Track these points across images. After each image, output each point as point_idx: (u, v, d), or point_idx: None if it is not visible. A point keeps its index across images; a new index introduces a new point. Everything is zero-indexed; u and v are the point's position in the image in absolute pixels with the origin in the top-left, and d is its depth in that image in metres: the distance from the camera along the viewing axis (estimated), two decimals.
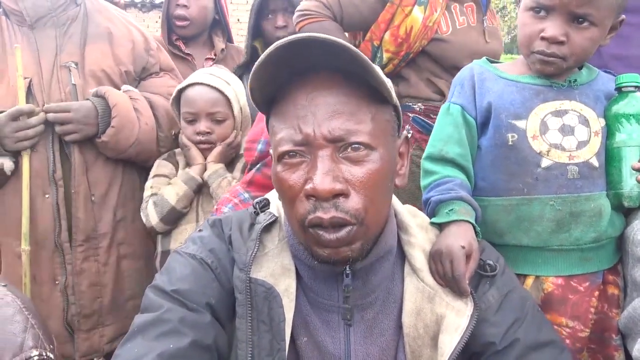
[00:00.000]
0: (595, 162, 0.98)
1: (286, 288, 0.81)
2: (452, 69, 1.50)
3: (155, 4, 8.68)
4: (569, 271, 0.99)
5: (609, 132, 1.00)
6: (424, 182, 1.04)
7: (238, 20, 8.33)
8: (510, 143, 0.99)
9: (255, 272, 0.81)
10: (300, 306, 0.82)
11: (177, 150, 1.62)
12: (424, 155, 1.06)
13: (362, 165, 0.73)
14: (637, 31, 1.27)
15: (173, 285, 0.79)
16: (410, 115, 1.52)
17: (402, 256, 0.86)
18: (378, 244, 0.79)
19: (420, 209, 0.97)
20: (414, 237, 0.86)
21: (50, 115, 1.43)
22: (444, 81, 1.51)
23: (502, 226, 1.01)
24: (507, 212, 1.00)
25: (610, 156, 0.99)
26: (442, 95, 1.50)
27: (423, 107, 1.50)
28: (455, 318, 0.79)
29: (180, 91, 1.52)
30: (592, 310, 0.99)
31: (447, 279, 0.82)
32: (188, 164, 1.55)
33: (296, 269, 0.83)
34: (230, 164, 1.57)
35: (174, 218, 1.48)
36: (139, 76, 1.66)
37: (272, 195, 0.92)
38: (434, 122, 1.46)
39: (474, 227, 0.91)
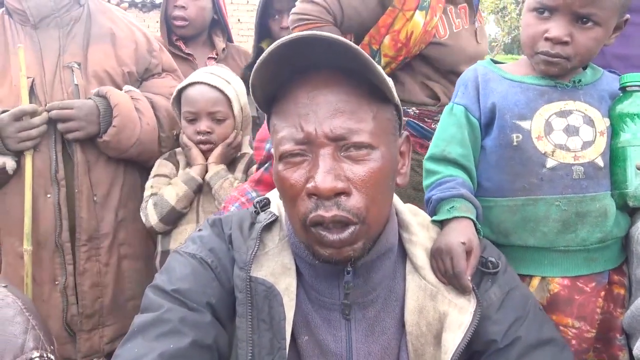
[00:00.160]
0: (600, 162, 0.97)
1: (286, 287, 0.81)
2: (448, 73, 1.50)
3: (155, 4, 8.68)
4: (575, 272, 0.99)
5: (613, 132, 1.00)
6: (426, 181, 1.04)
7: (239, 20, 8.34)
8: (514, 143, 0.99)
9: (255, 271, 0.81)
10: (301, 305, 0.82)
11: (178, 149, 1.62)
12: (427, 155, 1.06)
13: (364, 164, 0.73)
14: None
15: (173, 285, 0.79)
16: (404, 119, 1.51)
17: (403, 255, 0.86)
18: (379, 242, 0.79)
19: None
20: (415, 235, 0.86)
21: (53, 112, 1.43)
22: (438, 85, 1.51)
23: (507, 227, 1.01)
24: (513, 213, 1.00)
25: (614, 156, 0.99)
26: (437, 100, 1.50)
27: (417, 111, 1.49)
28: (458, 315, 0.79)
29: (181, 90, 1.52)
30: (598, 310, 0.99)
31: (448, 276, 0.82)
32: (189, 164, 1.55)
33: (297, 267, 0.83)
34: (231, 164, 1.56)
35: (173, 218, 1.48)
36: (142, 77, 1.66)
37: (273, 195, 0.92)
38: (427, 126, 1.48)
39: (475, 225, 0.91)
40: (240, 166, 1.56)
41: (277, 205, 0.89)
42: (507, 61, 1.14)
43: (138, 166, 1.65)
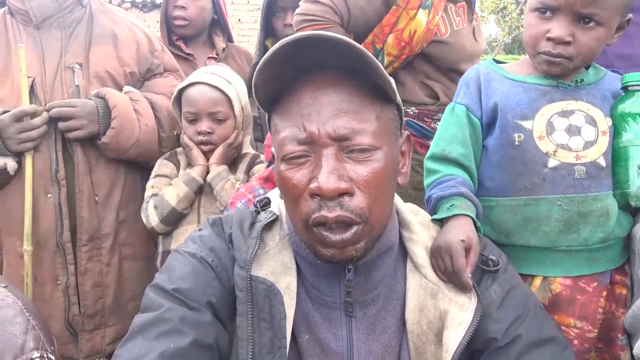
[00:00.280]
0: (602, 162, 0.97)
1: (287, 286, 0.81)
2: (449, 71, 1.50)
3: (156, 4, 8.68)
4: (577, 272, 0.99)
5: (615, 132, 0.99)
6: (426, 181, 1.04)
7: (239, 20, 8.34)
8: (516, 143, 0.99)
9: (256, 269, 0.81)
10: (301, 304, 0.82)
11: (179, 149, 1.61)
12: (428, 154, 1.06)
13: (367, 164, 0.73)
14: None
15: (173, 284, 0.79)
16: (404, 119, 1.51)
17: (404, 254, 0.87)
18: (379, 240, 0.80)
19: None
20: (416, 234, 0.87)
21: (55, 111, 1.42)
22: (439, 84, 1.51)
23: (509, 226, 1.01)
24: (514, 212, 0.99)
25: (616, 156, 0.98)
26: (437, 99, 1.50)
27: (417, 110, 1.49)
28: (459, 313, 0.79)
29: (181, 90, 1.52)
30: (600, 310, 0.99)
31: (448, 274, 0.82)
32: (189, 164, 1.54)
33: (297, 266, 0.84)
34: (232, 165, 1.55)
35: (174, 219, 1.47)
36: (144, 77, 1.66)
37: (273, 194, 0.92)
38: (427, 125, 1.48)
39: (475, 223, 0.92)
40: (242, 166, 1.55)
41: (277, 204, 0.89)
42: (508, 61, 1.14)
43: (139, 167, 1.64)
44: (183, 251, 0.85)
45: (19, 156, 1.44)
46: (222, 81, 1.49)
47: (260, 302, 0.80)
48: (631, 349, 0.95)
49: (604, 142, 0.98)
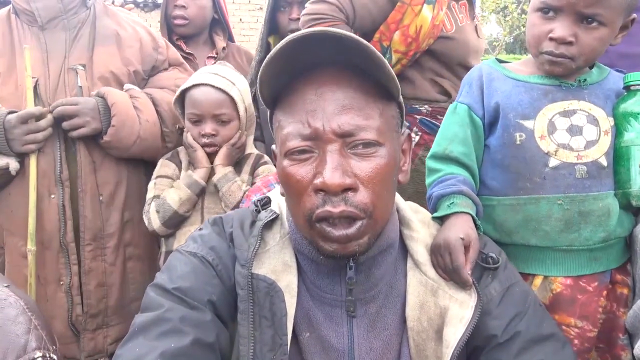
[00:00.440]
0: (604, 162, 0.97)
1: (287, 284, 0.81)
2: (457, 66, 1.51)
3: (157, 3, 8.68)
4: (577, 271, 0.99)
5: (617, 131, 0.99)
6: (428, 179, 1.04)
7: (240, 19, 8.35)
8: (517, 142, 0.99)
9: (256, 268, 0.81)
10: (302, 302, 0.83)
11: (180, 148, 1.61)
12: (429, 153, 1.07)
13: (370, 160, 0.74)
14: None
15: (174, 283, 0.79)
16: (417, 117, 1.52)
17: (404, 251, 0.87)
18: (380, 237, 0.80)
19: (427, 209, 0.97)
20: (416, 232, 0.87)
21: (58, 109, 1.42)
22: (448, 81, 1.51)
23: (510, 226, 1.01)
24: (515, 212, 1.00)
25: (618, 155, 0.98)
26: (448, 96, 1.50)
27: (430, 108, 1.50)
28: (459, 310, 0.79)
29: (184, 91, 1.51)
30: (601, 310, 0.99)
31: (448, 271, 0.83)
32: (190, 163, 1.54)
33: (298, 265, 0.84)
34: (237, 165, 1.55)
35: (176, 222, 1.47)
36: (149, 75, 1.66)
37: (274, 194, 0.93)
38: (440, 123, 1.48)
39: (475, 220, 0.92)
40: (247, 167, 1.55)
41: (277, 203, 0.90)
42: (510, 61, 1.14)
43: (144, 167, 1.64)
44: (184, 250, 0.86)
45: (21, 156, 1.44)
46: (226, 82, 1.49)
47: (261, 300, 0.80)
48: (632, 348, 0.95)
49: (605, 142, 0.98)
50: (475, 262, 0.85)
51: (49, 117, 1.43)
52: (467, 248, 0.85)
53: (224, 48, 2.17)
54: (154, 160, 1.60)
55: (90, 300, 1.50)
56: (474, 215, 0.93)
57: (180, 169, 1.56)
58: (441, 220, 0.93)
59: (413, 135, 1.53)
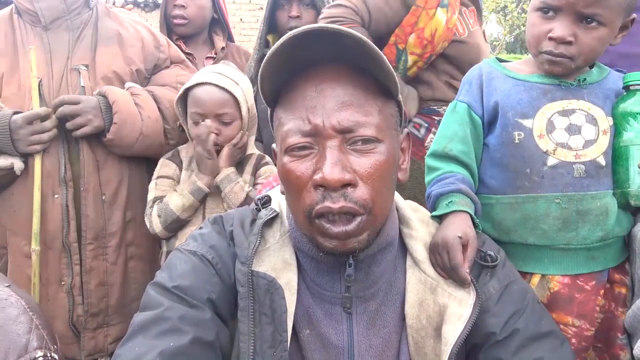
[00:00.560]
0: (602, 161, 0.97)
1: (287, 282, 0.82)
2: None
3: (157, 3, 8.69)
4: (575, 270, 0.99)
5: (616, 131, 0.99)
6: (427, 178, 1.05)
7: (241, 19, 8.35)
8: (516, 141, 0.99)
9: (256, 266, 0.82)
10: (302, 299, 0.83)
11: (181, 147, 1.60)
12: (428, 152, 1.07)
13: (370, 156, 0.74)
14: None
15: (174, 282, 0.80)
16: (435, 118, 1.55)
17: (404, 250, 0.88)
18: (380, 235, 0.80)
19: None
20: (416, 230, 0.88)
21: (61, 109, 1.42)
22: None
23: (508, 224, 1.01)
24: (513, 210, 1.00)
25: (617, 155, 0.98)
26: None
27: None
28: (458, 307, 0.80)
29: (187, 90, 1.51)
30: (598, 309, 0.99)
31: (446, 270, 0.83)
32: (190, 163, 1.53)
33: (298, 263, 0.84)
34: (238, 166, 1.54)
35: (177, 227, 1.48)
36: (151, 73, 1.66)
37: (274, 193, 0.93)
38: None
39: (473, 219, 0.92)
40: (248, 168, 1.55)
41: (277, 202, 0.90)
42: (511, 60, 1.15)
43: (147, 166, 1.65)
44: (184, 249, 0.86)
45: (25, 156, 1.44)
46: (230, 82, 1.48)
47: (262, 297, 0.80)
48: (631, 348, 0.95)
49: (604, 141, 0.98)
50: (474, 260, 0.85)
51: (54, 117, 1.43)
52: (465, 246, 0.85)
53: (223, 48, 2.17)
54: (157, 157, 1.60)
55: (91, 299, 1.51)
56: (472, 213, 0.93)
57: (180, 169, 1.55)
58: (440, 218, 0.93)
59: (432, 135, 1.55)
